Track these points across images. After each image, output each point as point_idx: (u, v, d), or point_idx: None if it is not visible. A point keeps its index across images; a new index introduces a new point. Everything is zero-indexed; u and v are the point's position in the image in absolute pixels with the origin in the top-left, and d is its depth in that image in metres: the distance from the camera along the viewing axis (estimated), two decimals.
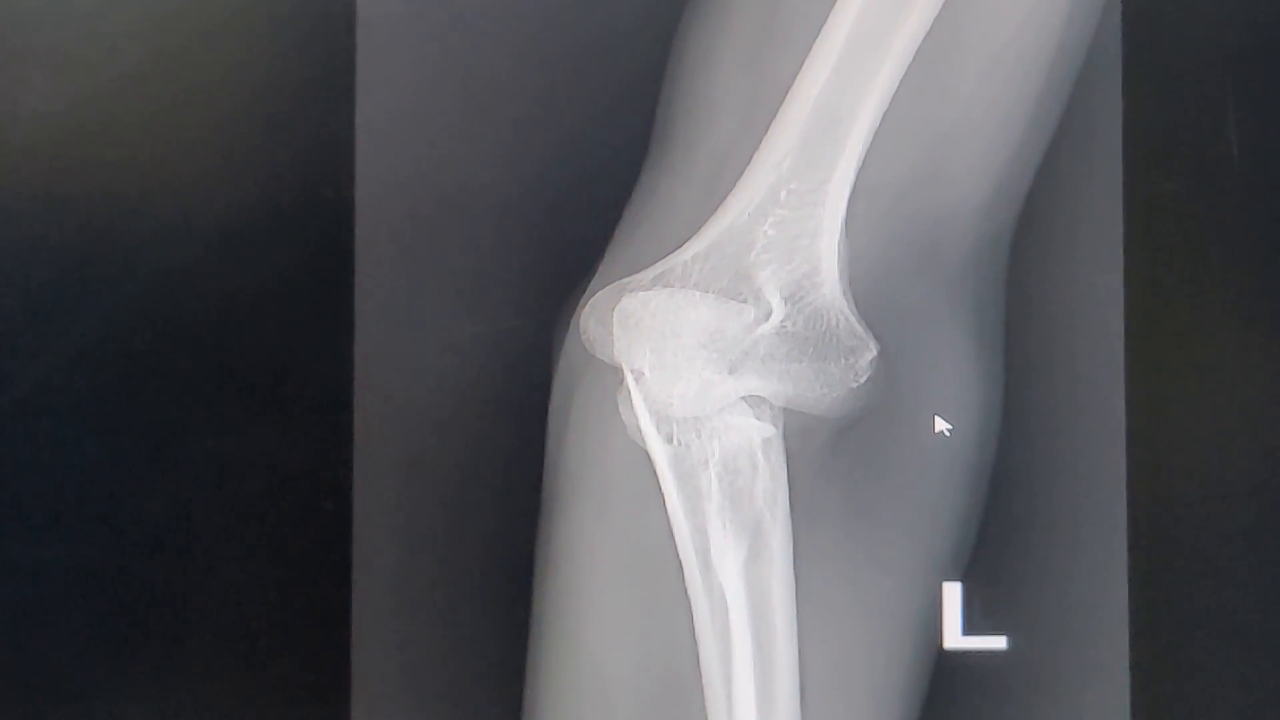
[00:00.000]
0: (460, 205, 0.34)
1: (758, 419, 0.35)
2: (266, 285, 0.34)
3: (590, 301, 0.35)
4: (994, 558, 0.34)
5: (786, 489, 0.35)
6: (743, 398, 0.35)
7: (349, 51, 0.35)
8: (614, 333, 0.35)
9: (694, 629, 0.34)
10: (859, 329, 0.34)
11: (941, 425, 0.34)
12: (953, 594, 0.34)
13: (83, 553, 0.34)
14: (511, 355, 0.34)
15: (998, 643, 0.34)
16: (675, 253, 0.35)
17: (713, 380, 0.34)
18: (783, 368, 0.35)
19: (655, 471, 0.34)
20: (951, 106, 0.35)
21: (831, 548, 0.34)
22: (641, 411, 0.34)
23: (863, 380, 0.34)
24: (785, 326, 0.35)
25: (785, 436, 0.35)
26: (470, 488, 0.34)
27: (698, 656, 0.34)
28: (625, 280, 0.35)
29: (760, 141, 0.35)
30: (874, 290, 0.35)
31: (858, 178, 0.34)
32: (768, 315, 0.34)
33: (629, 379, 0.35)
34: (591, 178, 0.34)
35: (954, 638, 0.34)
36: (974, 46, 0.35)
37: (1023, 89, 0.35)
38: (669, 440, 0.34)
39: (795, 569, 0.34)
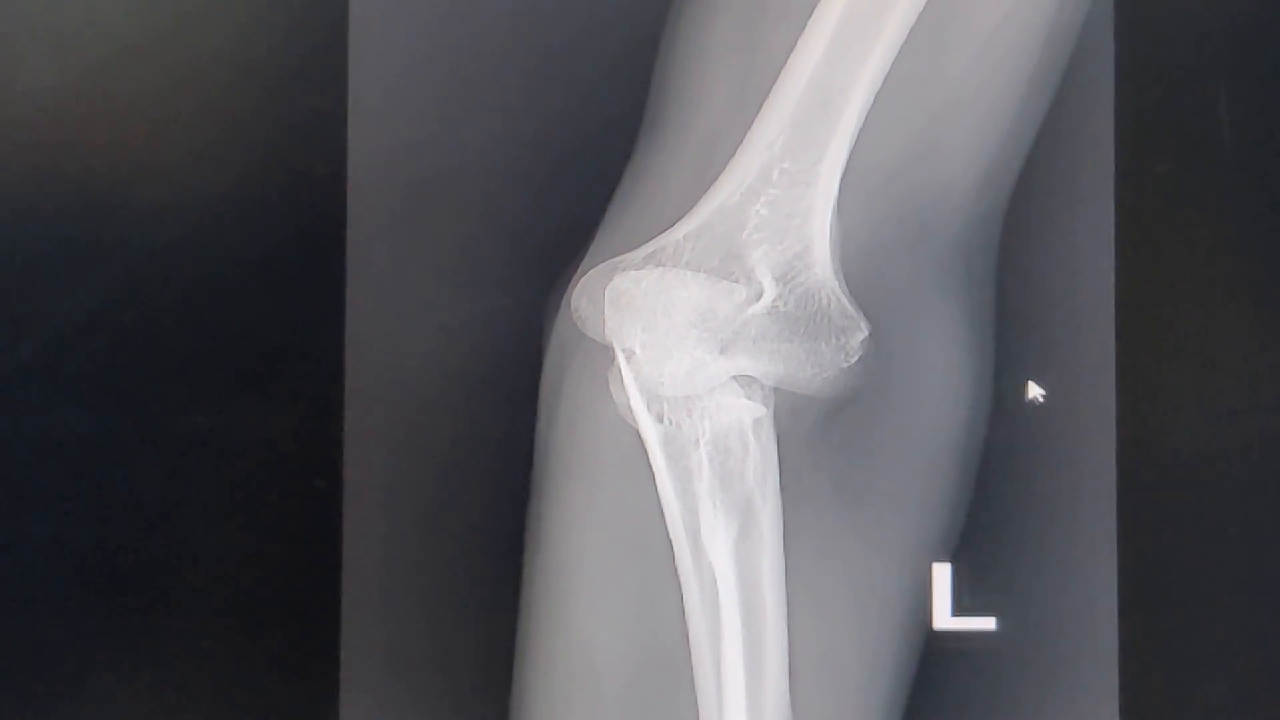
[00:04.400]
0: (452, 183, 0.34)
1: (749, 399, 0.35)
2: (258, 263, 0.34)
3: (582, 280, 0.35)
4: (983, 539, 0.34)
5: (777, 469, 0.34)
6: (734, 377, 0.35)
7: (341, 29, 0.35)
8: (605, 312, 0.34)
9: (684, 609, 0.34)
10: (850, 309, 0.34)
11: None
12: (942, 575, 0.34)
13: (72, 531, 0.34)
14: (503, 334, 0.34)
15: (987, 624, 0.34)
16: (667, 232, 0.35)
17: (704, 360, 0.34)
18: (774, 347, 0.35)
19: (646, 451, 0.34)
20: (944, 87, 0.35)
21: (821, 528, 0.34)
22: (632, 391, 0.34)
23: (854, 360, 0.35)
24: (777, 306, 0.35)
25: (776, 416, 0.35)
26: (461, 467, 0.34)
27: (687, 636, 0.34)
28: (617, 259, 0.35)
29: (753, 121, 0.35)
30: (866, 270, 0.35)
31: (850, 158, 0.34)
32: (759, 295, 0.34)
33: (620, 358, 0.35)
34: (584, 156, 0.34)
35: (943, 619, 0.34)
36: (967, 27, 0.35)
37: (1015, 69, 0.35)
38: (660, 419, 0.34)
39: (785, 549, 0.34)
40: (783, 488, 0.34)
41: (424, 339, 0.34)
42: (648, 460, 0.34)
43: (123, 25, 0.35)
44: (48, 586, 0.34)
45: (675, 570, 0.34)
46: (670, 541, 0.34)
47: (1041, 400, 0.34)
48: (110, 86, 0.35)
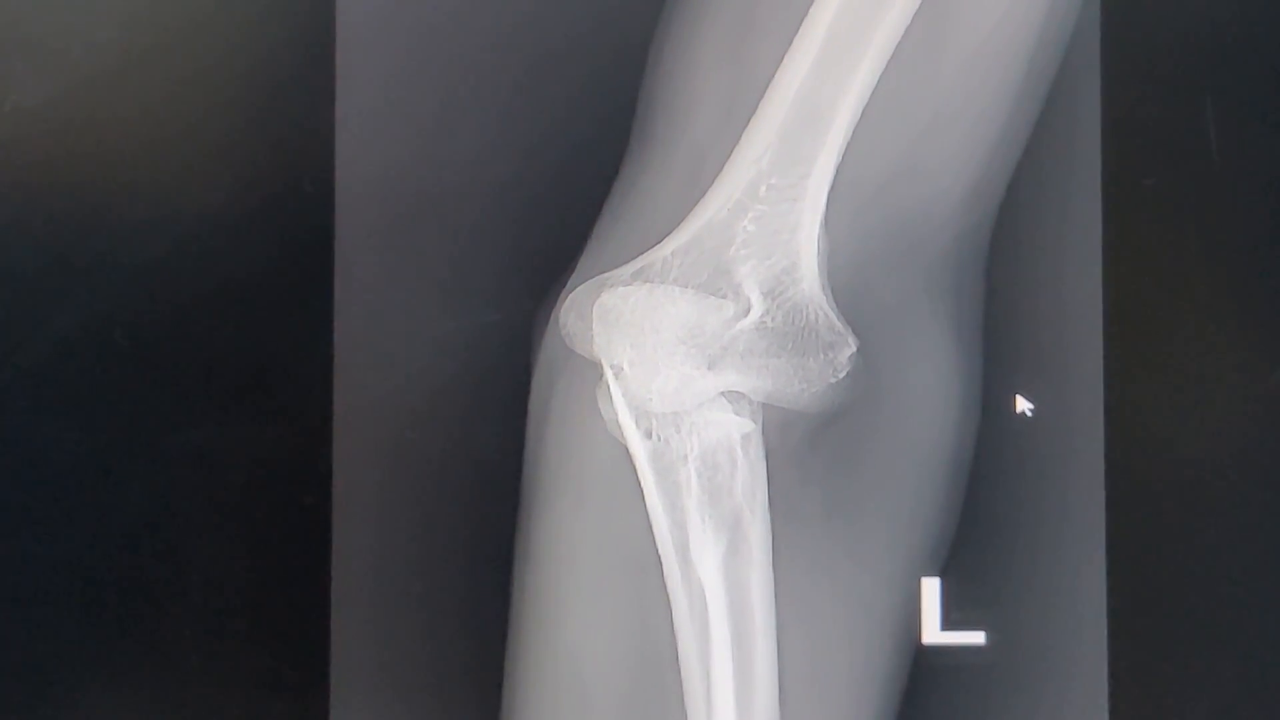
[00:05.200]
0: (440, 200, 0.34)
1: (737, 414, 0.35)
2: (246, 279, 0.34)
3: (570, 296, 0.35)
4: (973, 553, 0.34)
5: (765, 484, 0.35)
6: (722, 393, 0.35)
7: (329, 46, 0.35)
8: (594, 328, 0.35)
9: (673, 624, 0.34)
10: (838, 324, 0.34)
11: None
12: (931, 589, 0.34)
13: (61, 546, 0.34)
14: (491, 350, 0.34)
15: (976, 638, 0.34)
16: (655, 248, 0.35)
17: (692, 375, 0.34)
18: (762, 363, 0.35)
19: (634, 466, 0.34)
20: (931, 101, 0.35)
21: (810, 543, 0.34)
22: (621, 407, 0.34)
23: (842, 375, 0.35)
24: (764, 322, 0.35)
25: (764, 432, 0.35)
26: (450, 482, 0.34)
27: (676, 651, 0.34)
28: (605, 275, 0.35)
29: (740, 137, 0.35)
30: (853, 285, 0.35)
31: (837, 173, 0.34)
32: (747, 310, 0.34)
33: (608, 374, 0.35)
34: (571, 173, 0.34)
35: (932, 633, 0.34)
36: (954, 41, 0.35)
37: (1002, 83, 0.35)
38: (648, 435, 0.34)
39: (774, 564, 0.34)
40: (771, 503, 0.35)
41: (412, 355, 0.34)
42: (636, 476, 0.34)
43: (110, 42, 0.35)
44: (36, 601, 0.34)
45: (664, 585, 0.34)
46: (659, 557, 0.34)
47: (1030, 414, 0.34)
48: (97, 103, 0.35)
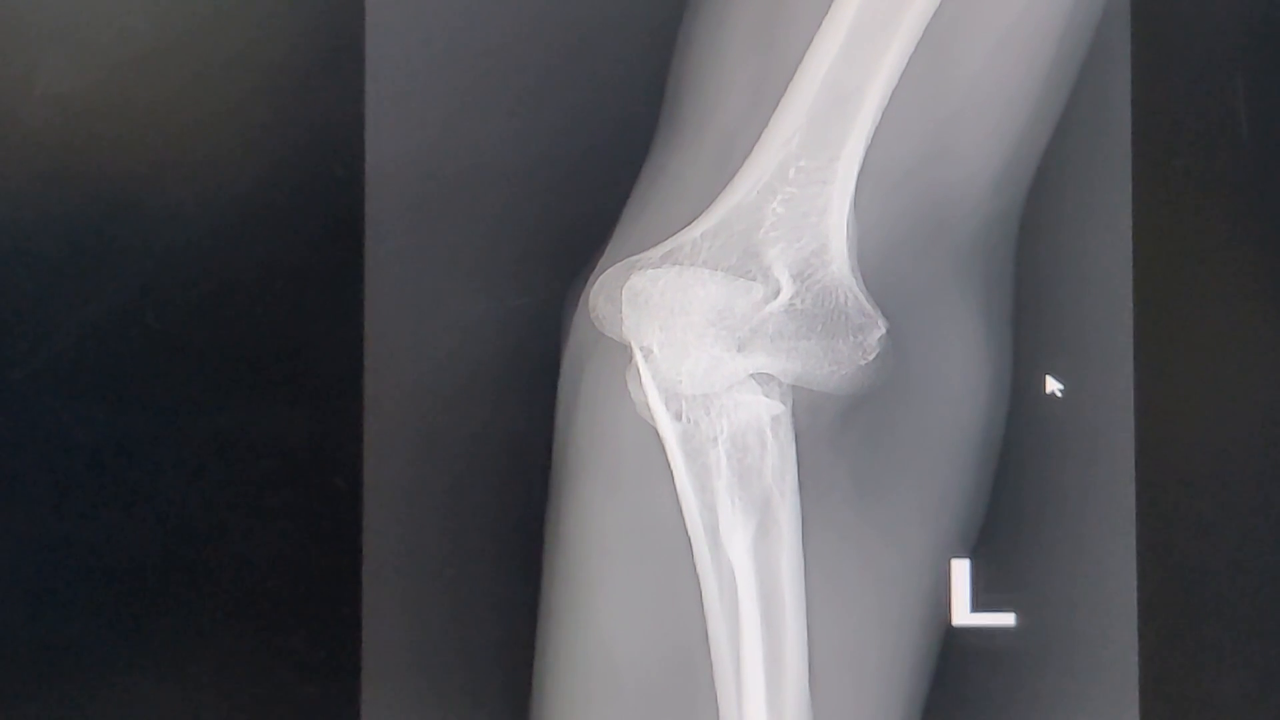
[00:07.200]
0: (470, 183, 0.35)
1: (766, 396, 0.35)
2: (277, 264, 0.34)
3: (599, 279, 0.35)
4: (1003, 535, 0.34)
5: (795, 466, 0.35)
6: (751, 375, 0.35)
7: (359, 30, 0.35)
8: (623, 310, 0.35)
9: (703, 606, 0.34)
10: (867, 306, 0.35)
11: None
12: (961, 571, 0.34)
13: (94, 530, 0.34)
14: (521, 333, 0.35)
15: (1006, 620, 0.34)
16: (684, 230, 0.35)
17: (721, 358, 0.34)
18: (791, 345, 0.35)
19: (664, 449, 0.35)
20: (960, 84, 0.35)
21: (840, 525, 0.35)
22: (650, 389, 0.34)
23: (871, 357, 0.35)
24: (794, 304, 0.35)
25: (794, 414, 0.35)
26: (480, 465, 0.34)
27: (706, 633, 0.34)
28: (634, 258, 0.35)
29: (769, 119, 0.35)
30: (883, 268, 0.35)
31: (866, 155, 0.34)
32: (776, 293, 0.35)
33: (638, 356, 0.35)
34: (601, 155, 0.35)
35: (962, 615, 0.34)
36: (983, 23, 0.35)
37: (1031, 66, 0.35)
38: (678, 417, 0.34)
39: (804, 546, 0.35)
40: (801, 485, 0.35)
41: (442, 339, 0.35)
42: (666, 458, 0.34)
43: (141, 28, 0.35)
44: (68, 586, 0.34)
45: (694, 568, 0.34)
46: (689, 539, 0.34)
47: (1060, 395, 0.34)
48: (128, 89, 0.35)
